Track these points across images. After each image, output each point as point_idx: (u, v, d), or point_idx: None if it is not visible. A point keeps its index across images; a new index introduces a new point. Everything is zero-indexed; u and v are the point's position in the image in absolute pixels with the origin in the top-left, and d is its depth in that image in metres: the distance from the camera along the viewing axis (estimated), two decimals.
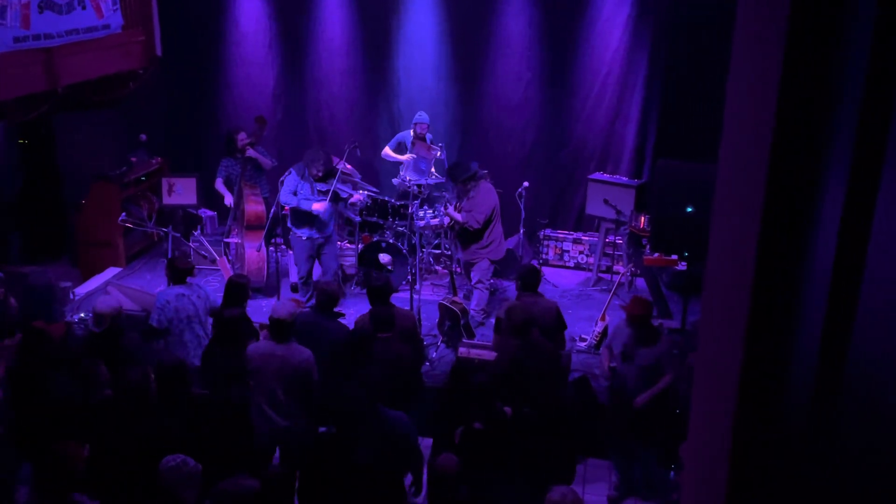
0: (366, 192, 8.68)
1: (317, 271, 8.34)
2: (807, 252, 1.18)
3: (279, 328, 5.40)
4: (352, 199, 8.41)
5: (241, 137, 8.73)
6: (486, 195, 7.81)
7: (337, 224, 9.14)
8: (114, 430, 4.75)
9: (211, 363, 5.74)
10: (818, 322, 1.15)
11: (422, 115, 8.99)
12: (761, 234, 1.18)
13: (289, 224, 8.15)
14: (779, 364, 1.22)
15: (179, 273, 6.35)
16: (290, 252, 8.98)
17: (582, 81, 9.50)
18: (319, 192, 7.91)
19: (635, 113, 9.38)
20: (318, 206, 7.83)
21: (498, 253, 8.04)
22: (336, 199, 8.05)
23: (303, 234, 8.00)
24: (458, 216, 7.83)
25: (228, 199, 8.87)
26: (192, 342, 6.34)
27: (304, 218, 7.93)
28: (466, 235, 7.92)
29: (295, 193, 7.88)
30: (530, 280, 6.48)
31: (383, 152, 9.29)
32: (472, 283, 8.12)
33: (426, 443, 5.69)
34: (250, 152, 8.64)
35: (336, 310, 6.30)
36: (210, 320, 6.41)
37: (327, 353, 5.76)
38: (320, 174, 7.88)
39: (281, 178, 7.93)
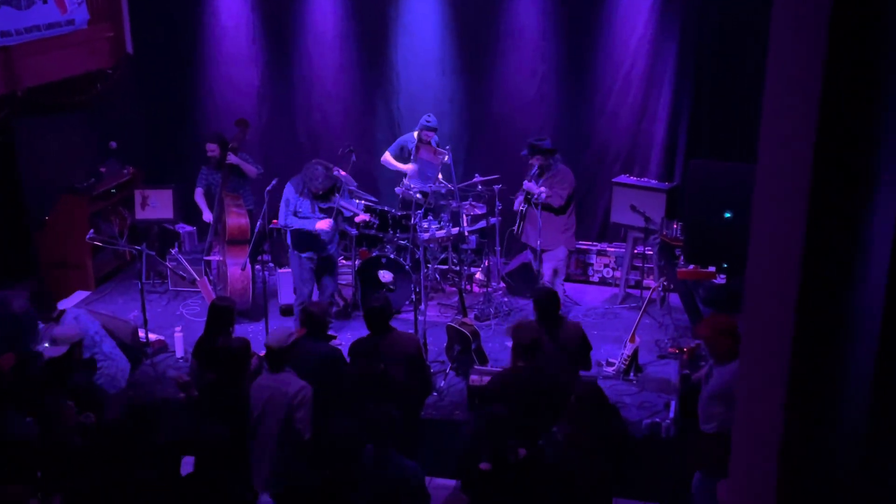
0: (369, 215, 8.65)
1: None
2: (858, 261, 1.17)
3: (270, 357, 5.51)
4: (357, 219, 8.41)
5: (210, 148, 8.79)
6: (565, 174, 8.34)
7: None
8: (83, 478, 4.76)
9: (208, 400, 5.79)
10: (872, 341, 1.13)
11: (429, 120, 8.94)
12: (807, 242, 1.18)
13: (287, 241, 8.06)
14: (829, 388, 1.21)
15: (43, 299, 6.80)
16: (279, 271, 8.99)
17: (603, 74, 9.51)
18: (321, 209, 7.88)
19: (664, 109, 9.38)
20: (322, 225, 7.76)
21: (573, 242, 8.62)
22: (339, 216, 8.03)
23: (304, 254, 7.97)
24: (541, 190, 8.17)
25: (207, 216, 8.88)
26: (116, 354, 6.78)
27: (306, 238, 7.87)
28: (544, 217, 8.20)
29: (296, 214, 7.79)
30: (549, 308, 6.45)
31: (383, 158, 9.28)
32: (547, 279, 8.27)
33: (434, 482, 5.68)
34: (232, 158, 8.67)
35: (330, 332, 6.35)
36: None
37: (318, 381, 5.79)
38: (321, 191, 7.83)
39: (267, 188, 7.94)
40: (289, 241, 8.03)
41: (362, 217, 8.40)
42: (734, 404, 4.89)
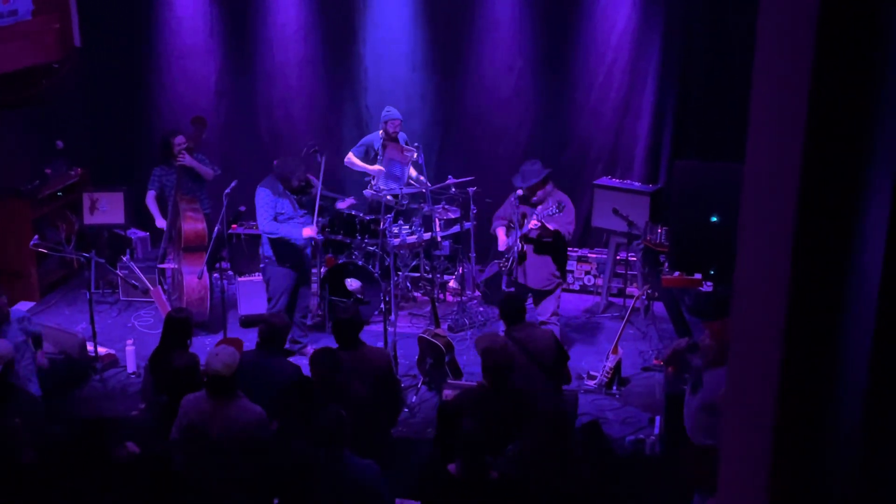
0: (352, 197, 8.76)
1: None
2: (850, 263, 1.18)
3: (217, 384, 5.35)
4: (339, 204, 8.41)
5: (179, 142, 8.71)
6: (567, 200, 7.49)
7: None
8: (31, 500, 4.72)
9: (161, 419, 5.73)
10: (866, 346, 1.15)
11: (392, 112, 8.98)
12: (797, 245, 1.19)
13: (267, 252, 7.88)
14: (822, 395, 1.22)
15: None
16: (239, 279, 8.94)
17: (584, 70, 9.56)
18: (300, 204, 7.81)
19: (648, 106, 9.46)
20: (309, 232, 7.66)
21: (565, 279, 8.08)
22: (322, 212, 7.98)
23: (286, 266, 7.85)
24: (551, 226, 7.26)
25: (160, 222, 8.80)
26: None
27: (289, 251, 7.76)
28: (548, 257, 7.57)
29: (277, 218, 7.65)
30: (514, 310, 6.48)
31: (347, 159, 9.24)
32: (546, 317, 7.70)
33: None
34: (187, 160, 8.60)
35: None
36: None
37: (272, 397, 5.76)
38: (303, 183, 7.72)
39: (226, 191, 7.89)
40: (268, 251, 7.83)
41: (348, 201, 8.38)
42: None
